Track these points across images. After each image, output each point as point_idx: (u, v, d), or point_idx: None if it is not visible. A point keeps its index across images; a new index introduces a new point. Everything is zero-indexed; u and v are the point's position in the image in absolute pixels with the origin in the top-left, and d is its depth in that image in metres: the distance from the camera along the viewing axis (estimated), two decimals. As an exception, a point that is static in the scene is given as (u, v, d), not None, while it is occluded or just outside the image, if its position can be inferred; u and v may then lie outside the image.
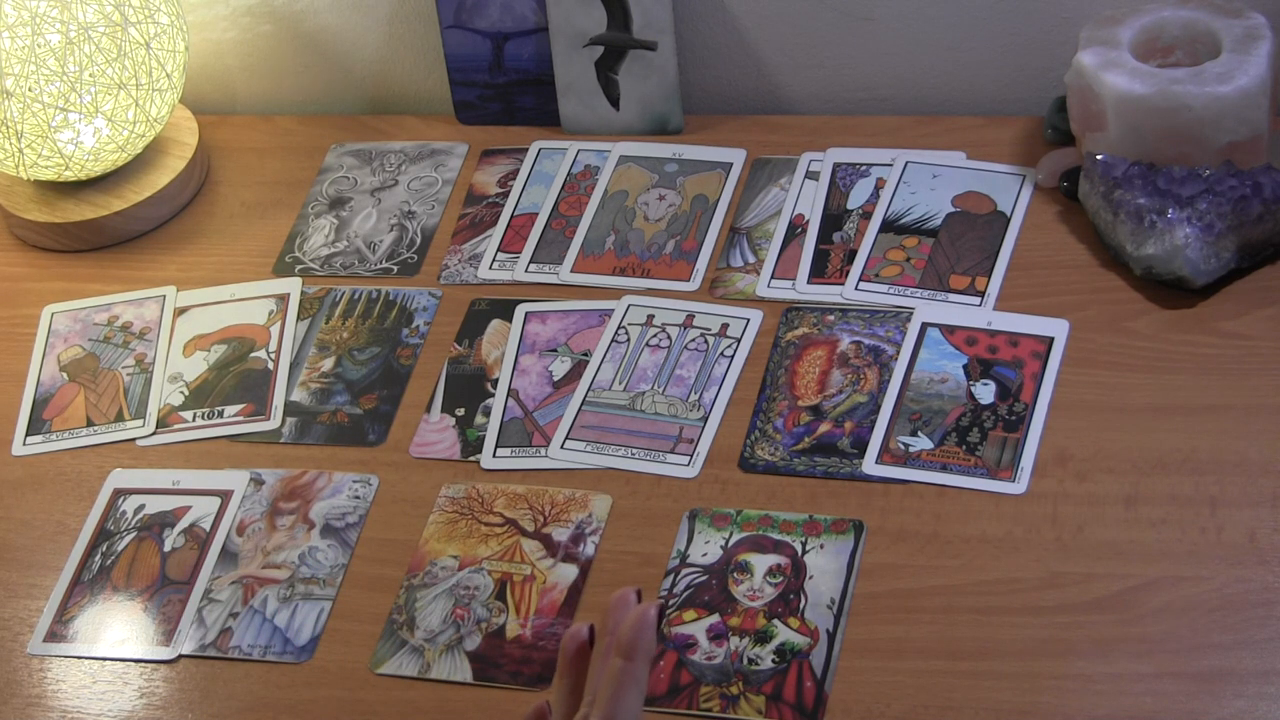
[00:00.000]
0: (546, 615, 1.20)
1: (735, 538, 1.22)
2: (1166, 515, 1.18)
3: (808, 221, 1.43)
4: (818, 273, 1.39)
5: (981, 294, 1.34)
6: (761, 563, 1.20)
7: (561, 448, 1.30)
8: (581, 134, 1.55)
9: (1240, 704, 1.08)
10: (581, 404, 1.32)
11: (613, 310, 1.39)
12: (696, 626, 1.17)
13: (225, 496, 1.31)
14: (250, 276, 1.48)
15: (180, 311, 1.46)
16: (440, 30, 1.55)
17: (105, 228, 1.53)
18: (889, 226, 1.41)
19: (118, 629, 1.24)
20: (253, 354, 1.42)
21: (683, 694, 1.14)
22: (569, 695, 0.90)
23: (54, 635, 1.25)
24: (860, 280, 1.37)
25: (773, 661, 1.14)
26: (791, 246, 1.41)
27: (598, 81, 1.53)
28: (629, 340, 1.36)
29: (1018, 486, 1.21)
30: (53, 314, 1.48)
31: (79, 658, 1.23)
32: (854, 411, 1.28)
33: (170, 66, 1.49)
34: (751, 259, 1.41)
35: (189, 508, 1.31)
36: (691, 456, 1.28)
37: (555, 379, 1.35)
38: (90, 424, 1.39)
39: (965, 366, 1.29)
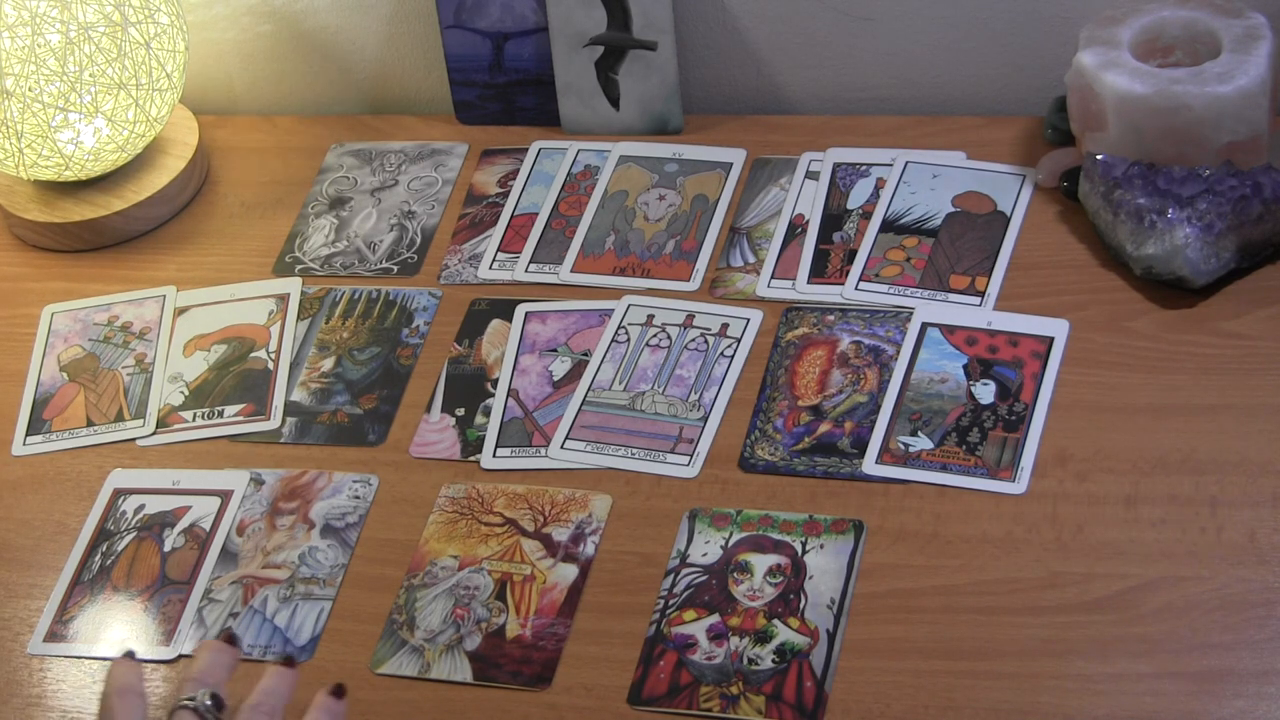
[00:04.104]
0: (546, 615, 1.20)
1: (735, 538, 1.22)
2: (1166, 515, 1.18)
3: (808, 221, 1.43)
4: (818, 273, 1.39)
5: (981, 294, 1.34)
6: (761, 563, 1.20)
7: (561, 448, 1.30)
8: (581, 134, 1.55)
9: (1240, 704, 1.08)
10: (581, 404, 1.32)
11: (613, 310, 1.39)
12: (696, 626, 1.17)
13: (225, 496, 1.31)
14: (250, 276, 1.48)
15: (180, 311, 1.46)
16: (440, 30, 1.55)
17: (105, 228, 1.53)
18: (889, 226, 1.41)
19: (118, 629, 1.24)
20: (253, 354, 1.42)
21: (683, 694, 1.14)
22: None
23: (54, 635, 1.25)
24: (860, 280, 1.37)
25: (773, 661, 1.14)
26: (791, 246, 1.41)
27: (598, 81, 1.53)
28: (629, 340, 1.36)
29: (1018, 486, 1.21)
30: (53, 314, 1.48)
31: (79, 658, 1.23)
32: (854, 411, 1.28)
33: (170, 66, 1.49)
34: (751, 259, 1.41)
35: (189, 508, 1.31)
36: (691, 456, 1.28)
37: (555, 379, 1.35)
38: (90, 424, 1.39)
39: (965, 366, 1.29)
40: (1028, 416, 1.25)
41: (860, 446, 1.26)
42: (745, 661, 1.15)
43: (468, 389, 1.36)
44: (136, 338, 1.45)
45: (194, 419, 1.38)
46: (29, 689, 1.22)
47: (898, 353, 1.31)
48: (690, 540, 1.22)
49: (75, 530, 1.31)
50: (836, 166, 1.47)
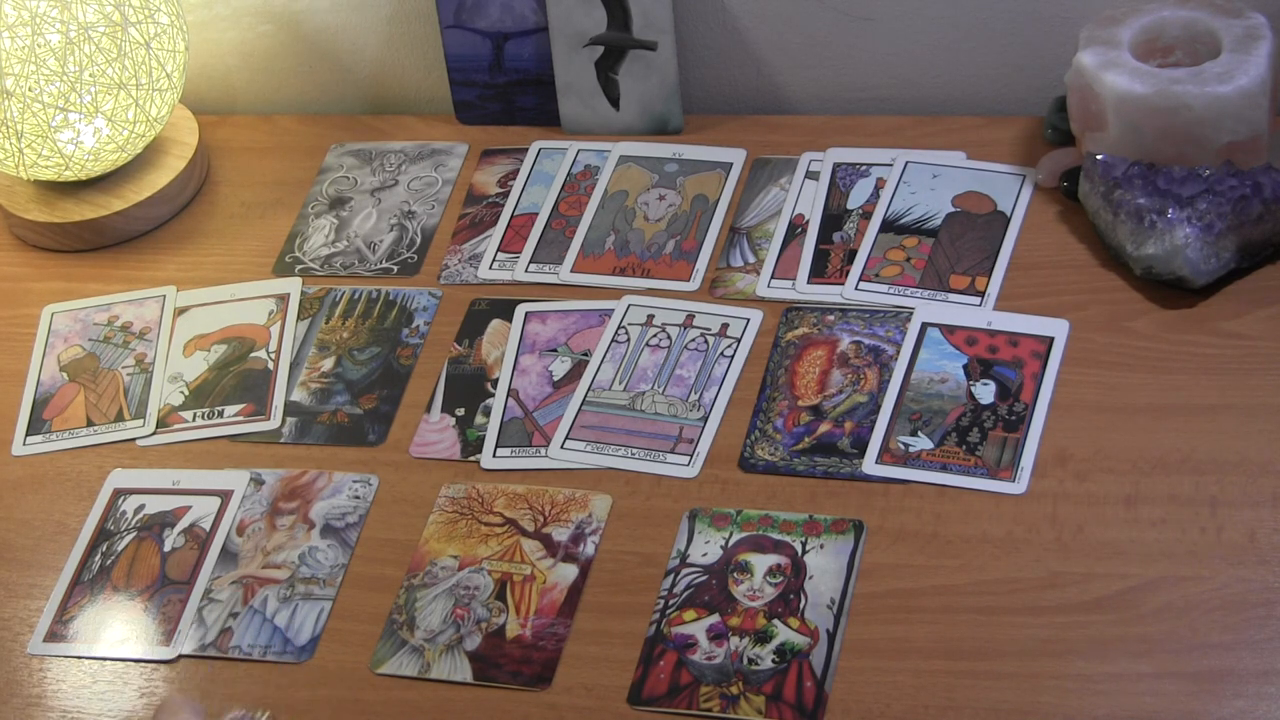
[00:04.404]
0: (546, 615, 1.20)
1: (735, 538, 1.22)
2: (1166, 515, 1.18)
3: (808, 221, 1.43)
4: (818, 273, 1.39)
5: (981, 294, 1.34)
6: (761, 563, 1.20)
7: (561, 448, 1.30)
8: (581, 134, 1.55)
9: (1240, 704, 1.08)
10: (581, 404, 1.32)
11: (613, 310, 1.39)
12: (696, 626, 1.17)
13: (225, 496, 1.31)
14: (250, 276, 1.48)
15: (180, 311, 1.46)
16: (440, 30, 1.55)
17: (105, 228, 1.53)
18: (889, 226, 1.41)
19: (118, 629, 1.24)
20: (253, 354, 1.42)
21: (683, 694, 1.14)
22: None
23: (54, 635, 1.25)
24: (860, 280, 1.37)
25: (773, 661, 1.14)
26: (791, 246, 1.41)
27: (598, 81, 1.53)
28: (629, 340, 1.36)
29: (1018, 486, 1.21)
30: (53, 314, 1.48)
31: (79, 658, 1.23)
32: (854, 411, 1.28)
33: (170, 66, 1.49)
34: (751, 259, 1.41)
35: (189, 508, 1.31)
36: (691, 456, 1.28)
37: (555, 379, 1.35)
38: (90, 424, 1.39)
39: (965, 366, 1.29)
40: (1028, 416, 1.25)
41: (860, 446, 1.26)
42: (745, 661, 1.15)
43: (468, 389, 1.36)
44: (136, 338, 1.45)
45: (194, 419, 1.38)
46: (29, 689, 1.22)
47: (898, 353, 1.31)
48: (690, 540, 1.22)
49: (75, 530, 1.31)
50: (836, 166, 1.47)
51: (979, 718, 1.10)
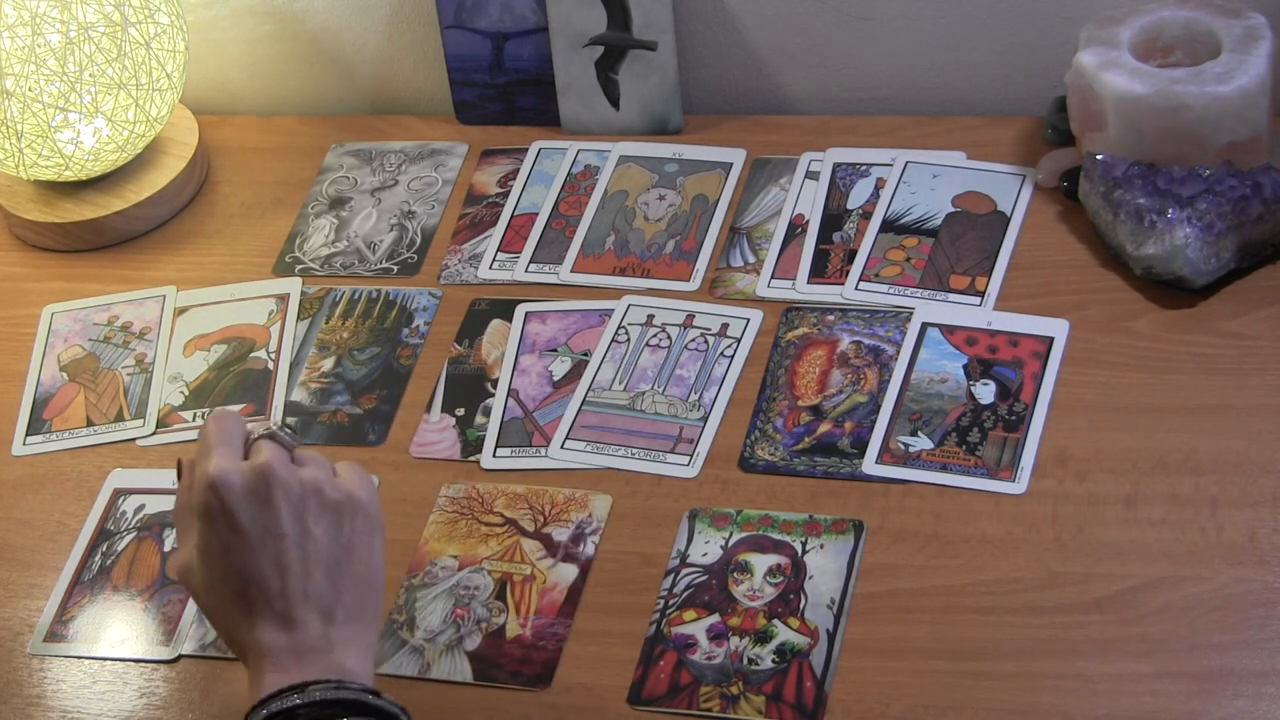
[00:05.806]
0: (546, 615, 1.20)
1: (735, 538, 1.22)
2: (1166, 515, 1.18)
3: (808, 221, 1.43)
4: (818, 273, 1.39)
5: (981, 294, 1.34)
6: (761, 563, 1.20)
7: (561, 448, 1.30)
8: (581, 134, 1.55)
9: (1240, 704, 1.08)
10: (581, 404, 1.32)
11: (613, 310, 1.39)
12: (696, 626, 1.17)
13: (225, 496, 1.31)
14: (250, 276, 1.48)
15: (180, 311, 1.46)
16: (440, 30, 1.55)
17: (105, 228, 1.53)
18: (889, 226, 1.41)
19: (118, 629, 1.24)
20: (253, 354, 1.42)
21: (683, 694, 1.14)
22: None
23: (54, 635, 1.25)
24: (860, 280, 1.37)
25: (773, 661, 1.14)
26: (791, 246, 1.41)
27: (598, 81, 1.53)
28: (629, 340, 1.36)
29: (1018, 486, 1.21)
30: (53, 314, 1.48)
31: (79, 658, 1.23)
32: (854, 411, 1.28)
33: (170, 66, 1.49)
34: (751, 259, 1.41)
35: (189, 508, 1.31)
36: (691, 456, 1.28)
37: (555, 379, 1.35)
38: (90, 424, 1.39)
39: (965, 366, 1.29)
40: (1028, 416, 1.25)
41: (860, 446, 1.26)
42: (745, 661, 1.15)
43: (468, 389, 1.36)
44: (136, 338, 1.45)
45: (194, 419, 1.38)
46: (29, 689, 1.22)
47: (898, 353, 1.31)
48: (690, 540, 1.22)
49: (75, 530, 1.31)
50: (836, 166, 1.47)
51: (979, 718, 1.10)
